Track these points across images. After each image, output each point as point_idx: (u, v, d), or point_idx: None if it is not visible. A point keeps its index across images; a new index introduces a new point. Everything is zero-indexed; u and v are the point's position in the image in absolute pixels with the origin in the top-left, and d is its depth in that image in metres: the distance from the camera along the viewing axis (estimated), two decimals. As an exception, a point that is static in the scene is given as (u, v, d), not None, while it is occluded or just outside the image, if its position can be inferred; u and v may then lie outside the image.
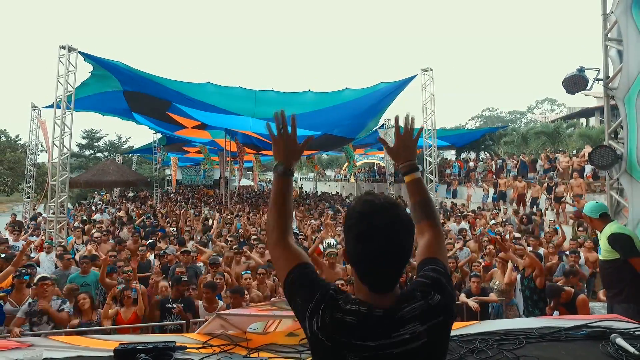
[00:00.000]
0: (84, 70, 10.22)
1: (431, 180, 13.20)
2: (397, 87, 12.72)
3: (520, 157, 20.02)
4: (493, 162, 21.80)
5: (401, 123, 1.58)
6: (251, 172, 38.78)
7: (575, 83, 4.68)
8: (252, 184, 37.31)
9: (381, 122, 19.39)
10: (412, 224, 1.18)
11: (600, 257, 3.82)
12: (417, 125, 1.61)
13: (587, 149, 15.99)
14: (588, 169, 14.99)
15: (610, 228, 3.68)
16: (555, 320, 3.15)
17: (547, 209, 15.08)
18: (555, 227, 10.40)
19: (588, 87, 4.68)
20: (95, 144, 43.31)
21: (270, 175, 45.29)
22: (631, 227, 4.19)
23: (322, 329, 1.13)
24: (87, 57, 9.91)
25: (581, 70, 4.67)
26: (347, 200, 23.74)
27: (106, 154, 42.55)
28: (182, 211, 13.71)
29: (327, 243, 8.03)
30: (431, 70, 12.49)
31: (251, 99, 11.58)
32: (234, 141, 18.00)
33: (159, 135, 22.73)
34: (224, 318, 2.77)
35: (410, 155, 1.56)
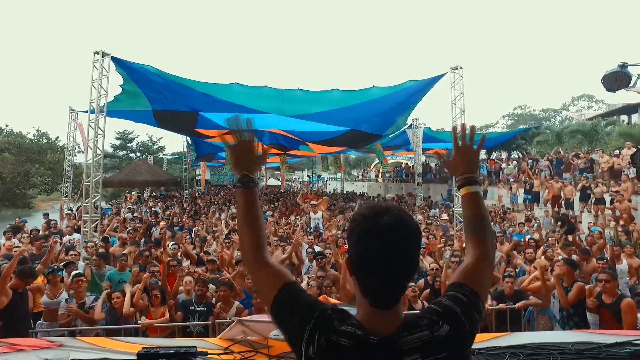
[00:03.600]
0: (118, 76, 10.55)
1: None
2: (426, 85, 12.49)
3: (554, 154, 19.28)
4: (525, 162, 21.11)
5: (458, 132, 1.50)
6: (279, 172, 39.11)
7: (617, 80, 4.41)
8: (279, 183, 37.59)
9: (409, 121, 19.14)
10: (418, 230, 1.10)
11: None
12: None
13: (628, 149, 15.23)
14: (632, 170, 14.23)
15: None
16: (595, 335, 2.94)
17: (582, 212, 14.47)
18: (598, 231, 9.91)
19: (631, 84, 4.41)
20: (128, 144, 44.68)
21: (296, 175, 45.53)
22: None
23: (318, 354, 1.04)
24: (118, 62, 10.20)
25: (623, 66, 4.39)
26: (374, 200, 23.59)
27: (138, 154, 43.84)
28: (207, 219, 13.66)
29: None
30: (461, 68, 12.17)
31: (278, 97, 11.62)
32: (259, 143, 18.11)
33: (189, 140, 23.27)
34: (246, 324, 2.75)
35: (470, 167, 1.44)
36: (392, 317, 1.08)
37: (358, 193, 29.27)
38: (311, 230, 11.63)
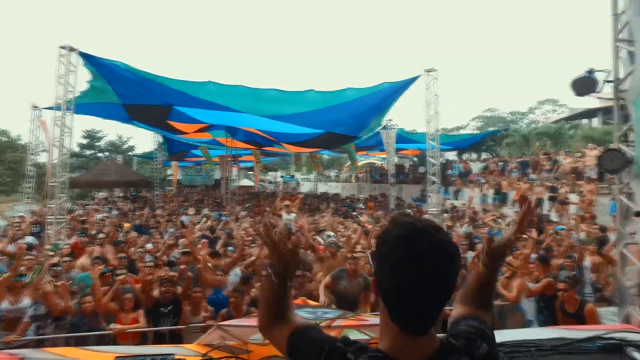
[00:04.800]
0: (85, 72, 10.16)
1: (434, 182, 13.11)
2: (401, 87, 12.65)
3: (522, 157, 19.93)
4: (494, 163, 21.70)
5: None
6: (252, 172, 38.74)
7: (585, 85, 4.58)
8: (252, 184, 37.26)
9: (384, 122, 19.34)
10: (458, 254, 0.99)
11: None
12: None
13: (591, 151, 15.87)
14: (593, 170, 14.85)
15: None
16: (567, 331, 3.03)
17: (549, 211, 14.97)
18: (565, 230, 10.25)
19: (598, 89, 4.58)
20: (96, 143, 43.22)
21: (270, 176, 45.25)
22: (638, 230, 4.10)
23: None
24: (87, 58, 9.85)
25: (590, 72, 4.57)
26: (347, 200, 23.68)
27: (107, 154, 42.49)
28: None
29: (327, 234, 8.10)
30: (435, 71, 12.39)
31: (253, 97, 11.52)
32: (235, 139, 17.98)
33: (160, 138, 22.74)
34: (224, 329, 2.67)
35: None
36: (426, 343, 0.98)
37: (332, 194, 29.34)
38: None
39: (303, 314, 2.83)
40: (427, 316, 0.97)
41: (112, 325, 4.90)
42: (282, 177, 43.37)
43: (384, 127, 21.05)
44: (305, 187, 38.55)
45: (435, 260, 0.93)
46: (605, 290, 7.03)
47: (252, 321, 2.69)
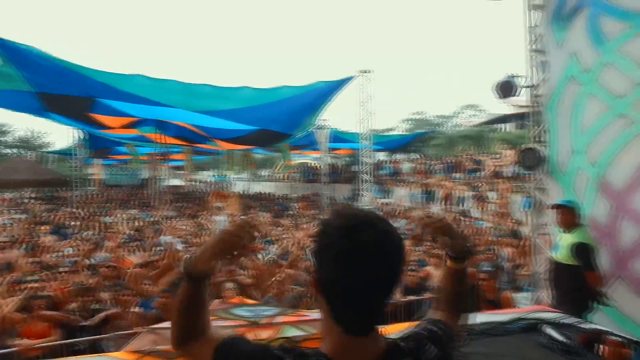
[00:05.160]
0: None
1: (367, 181, 13.48)
2: (336, 87, 12.84)
3: (448, 158, 21.21)
4: (422, 163, 22.86)
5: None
6: (182, 172, 37.21)
7: (506, 89, 4.95)
8: (183, 183, 35.82)
9: (318, 122, 19.52)
10: (403, 243, 0.94)
11: (559, 258, 3.87)
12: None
13: (507, 152, 17.31)
14: (509, 170, 16.16)
15: (579, 236, 3.75)
16: (492, 315, 3.25)
17: (471, 208, 16.07)
18: (486, 226, 11.06)
19: (517, 94, 4.98)
20: (2, 139, 38.97)
21: (200, 176, 43.79)
22: (551, 223, 4.53)
23: None
24: None
25: (511, 77, 4.95)
26: (280, 200, 23.63)
27: (15, 150, 38.48)
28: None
29: (266, 252, 7.92)
30: (370, 72, 12.75)
31: (186, 92, 11.06)
32: (166, 135, 17.15)
33: (81, 134, 21.04)
34: (156, 332, 2.51)
35: (464, 239, 1.24)
36: (371, 345, 0.92)
37: (266, 193, 29.08)
38: None
39: (241, 313, 2.75)
40: (373, 311, 0.92)
41: (18, 341, 4.38)
42: (214, 176, 42.11)
43: (318, 127, 21.26)
44: (238, 187, 37.81)
45: (381, 250, 0.88)
46: (518, 278, 7.71)
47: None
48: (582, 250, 3.59)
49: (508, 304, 5.09)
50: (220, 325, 2.40)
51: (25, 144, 38.71)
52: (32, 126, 39.19)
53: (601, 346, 2.06)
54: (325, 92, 13.00)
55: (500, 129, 33.00)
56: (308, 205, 21.54)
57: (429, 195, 18.79)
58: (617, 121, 4.02)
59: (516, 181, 15.91)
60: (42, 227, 10.30)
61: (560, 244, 3.85)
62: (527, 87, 4.97)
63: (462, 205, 16.39)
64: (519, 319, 2.96)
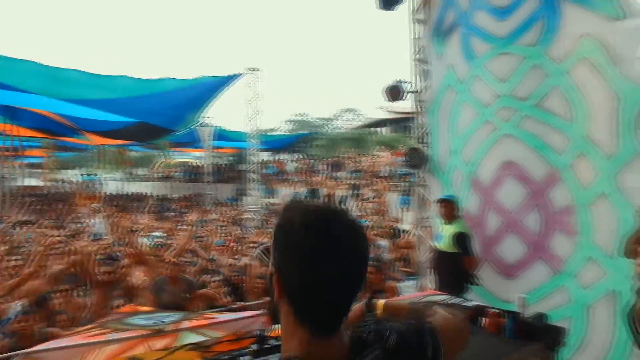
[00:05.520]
0: None
1: (254, 180, 13.38)
2: (222, 83, 12.49)
3: (331, 159, 22.20)
4: (306, 164, 23.54)
5: None
6: (41, 170, 32.38)
7: (395, 93, 5.34)
8: (41, 184, 31.08)
9: (202, 119, 18.79)
10: (366, 233, 0.92)
11: (441, 247, 4.33)
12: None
13: (384, 154, 18.80)
14: (386, 170, 17.55)
15: (458, 227, 4.25)
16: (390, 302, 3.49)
17: (352, 206, 17.06)
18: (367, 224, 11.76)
19: (404, 98, 5.41)
20: None
21: (64, 175, 38.69)
22: (432, 216, 5.03)
23: None
24: None
25: (399, 82, 5.35)
26: (160, 202, 22.13)
27: None
28: None
29: (154, 235, 7.40)
30: (258, 70, 12.64)
31: (49, 77, 9.54)
32: (19, 125, 14.72)
33: None
34: (34, 357, 2.10)
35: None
36: (338, 342, 0.88)
37: (144, 194, 26.92)
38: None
39: (139, 322, 2.47)
40: (342, 310, 0.89)
41: None
42: (82, 175, 37.55)
43: (202, 124, 20.47)
44: (111, 187, 34.30)
45: (351, 244, 0.85)
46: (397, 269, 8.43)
47: (72, 339, 2.19)
48: (461, 239, 4.08)
49: (394, 293, 5.49)
50: (117, 338, 2.11)
51: None
52: None
53: (483, 319, 2.32)
54: (211, 88, 12.56)
55: (377, 132, 35.71)
56: (189, 205, 20.54)
57: (312, 194, 19.41)
58: (484, 126, 4.63)
59: (392, 180, 17.37)
60: None
61: (442, 235, 4.30)
62: (412, 92, 5.42)
63: (344, 204, 17.29)
64: (412, 303, 3.23)
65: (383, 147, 21.56)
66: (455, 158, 4.83)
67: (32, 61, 9.14)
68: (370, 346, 0.91)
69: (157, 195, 25.87)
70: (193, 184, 27.49)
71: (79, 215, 12.94)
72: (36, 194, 23.69)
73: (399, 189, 16.27)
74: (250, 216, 14.05)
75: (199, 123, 19.59)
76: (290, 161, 25.75)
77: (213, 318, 2.49)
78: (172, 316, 2.49)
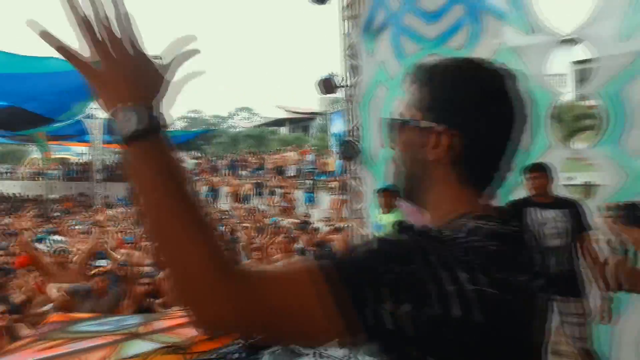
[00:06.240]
0: None
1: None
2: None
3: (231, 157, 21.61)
4: (206, 161, 22.61)
5: None
6: None
7: (327, 86, 5.39)
8: None
9: (90, 109, 16.96)
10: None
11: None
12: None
13: (289, 153, 18.92)
14: (292, 168, 17.64)
15: (397, 215, 4.35)
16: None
17: (259, 204, 16.84)
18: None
19: (335, 91, 5.49)
20: None
21: None
22: (366, 207, 5.20)
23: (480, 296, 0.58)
24: None
25: (331, 75, 5.42)
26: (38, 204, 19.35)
27: None
28: None
29: (52, 239, 6.40)
30: (160, 58, 11.66)
31: None
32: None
33: None
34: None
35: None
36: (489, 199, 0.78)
37: (10, 194, 23.25)
38: None
39: (93, 328, 2.10)
40: (505, 175, 0.79)
41: None
42: None
43: (88, 115, 18.46)
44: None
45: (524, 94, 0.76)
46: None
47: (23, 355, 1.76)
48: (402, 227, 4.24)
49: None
50: (78, 348, 1.76)
51: None
52: None
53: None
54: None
55: (277, 131, 35.86)
56: (75, 206, 18.33)
57: (213, 193, 18.72)
58: (414, 122, 4.93)
59: (298, 179, 17.54)
60: None
61: (382, 224, 4.45)
62: (343, 86, 5.53)
63: (248, 202, 16.98)
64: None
65: (288, 146, 21.69)
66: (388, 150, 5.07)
67: None
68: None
69: (28, 196, 22.61)
70: (75, 182, 24.53)
71: None
72: None
73: (304, 186, 16.53)
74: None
75: (85, 114, 17.64)
76: (188, 158, 24.44)
77: (180, 318, 2.21)
78: (132, 319, 2.16)
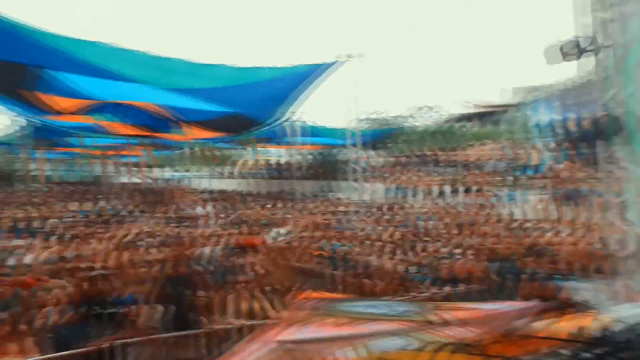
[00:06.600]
0: None
1: (355, 171, 12.80)
2: (317, 71, 12.01)
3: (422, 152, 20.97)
4: (395, 159, 22.59)
5: None
6: (136, 169, 34.67)
7: (569, 50, 4.37)
8: (138, 180, 33.24)
9: (289, 114, 18.62)
10: None
11: None
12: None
13: (486, 147, 17.33)
14: (489, 164, 16.09)
15: None
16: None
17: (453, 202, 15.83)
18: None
19: (578, 57, 4.41)
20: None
21: (154, 173, 41.38)
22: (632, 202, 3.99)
23: None
24: None
25: (575, 38, 4.38)
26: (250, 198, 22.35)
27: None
28: None
29: (277, 232, 7.06)
30: (356, 57, 11.94)
31: (154, 66, 9.57)
32: (122, 123, 15.47)
33: (23, 122, 18.58)
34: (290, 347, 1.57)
35: None
36: None
37: (228, 191, 27.60)
38: None
39: (363, 309, 1.87)
40: None
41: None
42: (176, 171, 39.69)
43: (288, 120, 20.33)
44: (197, 184, 35.87)
45: None
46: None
47: (327, 329, 1.64)
48: None
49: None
50: (369, 331, 1.53)
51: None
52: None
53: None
54: (306, 76, 12.13)
55: (466, 126, 33.62)
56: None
57: (405, 190, 18.44)
58: None
59: (496, 175, 15.89)
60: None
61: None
62: (591, 50, 4.41)
63: (444, 199, 16.14)
64: None
65: (481, 140, 19.94)
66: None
67: (139, 51, 9.19)
68: None
69: (242, 192, 26.40)
70: (277, 180, 27.61)
71: (188, 206, 13.13)
72: (136, 189, 25.22)
73: (504, 183, 14.86)
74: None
75: (285, 119, 19.47)
76: (375, 157, 24.84)
77: (471, 309, 1.83)
78: (401, 305, 1.86)
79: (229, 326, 3.98)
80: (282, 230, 7.66)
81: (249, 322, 3.98)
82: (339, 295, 2.46)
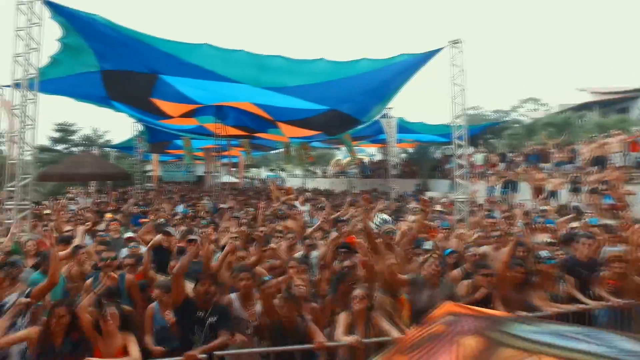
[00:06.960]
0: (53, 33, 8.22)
1: (462, 166, 11.77)
2: (420, 61, 11.21)
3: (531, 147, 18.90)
4: (496, 155, 20.74)
5: None
6: (235, 169, 36.72)
7: None
8: (236, 180, 35.22)
9: (384, 111, 17.97)
10: None
11: None
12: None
13: (614, 137, 14.94)
14: (617, 158, 13.84)
15: None
16: None
17: (570, 202, 13.89)
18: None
19: None
20: (69, 137, 40.23)
21: (250, 173, 43.37)
22: None
23: None
24: (54, 8, 7.74)
25: None
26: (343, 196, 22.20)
27: (82, 148, 39.67)
28: None
29: (382, 219, 6.58)
30: (460, 42, 10.94)
31: (255, 65, 9.79)
32: (224, 124, 16.32)
33: (140, 127, 20.72)
34: None
35: None
36: None
37: (323, 190, 27.81)
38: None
39: (550, 340, 1.30)
40: None
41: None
42: (271, 171, 41.51)
43: (384, 116, 19.66)
44: (292, 184, 36.90)
45: None
46: None
47: None
48: None
49: None
50: None
51: (89, 142, 39.94)
52: (95, 125, 40.44)
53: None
54: (407, 67, 11.39)
55: (585, 116, 29.90)
56: (371, 199, 20.02)
57: (511, 188, 16.73)
58: None
59: (629, 170, 13.61)
60: (108, 215, 9.43)
61: None
62: None
63: (558, 199, 14.25)
64: None
65: (604, 131, 17.33)
66: None
67: (242, 50, 9.37)
68: None
69: (334, 191, 26.37)
70: (370, 180, 27.14)
71: (286, 203, 13.20)
72: (235, 188, 26.59)
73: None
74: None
75: (380, 115, 18.87)
76: (475, 153, 23.08)
77: None
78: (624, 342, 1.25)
79: (339, 343, 3.43)
80: (386, 217, 7.08)
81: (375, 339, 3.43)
82: (498, 313, 1.87)
